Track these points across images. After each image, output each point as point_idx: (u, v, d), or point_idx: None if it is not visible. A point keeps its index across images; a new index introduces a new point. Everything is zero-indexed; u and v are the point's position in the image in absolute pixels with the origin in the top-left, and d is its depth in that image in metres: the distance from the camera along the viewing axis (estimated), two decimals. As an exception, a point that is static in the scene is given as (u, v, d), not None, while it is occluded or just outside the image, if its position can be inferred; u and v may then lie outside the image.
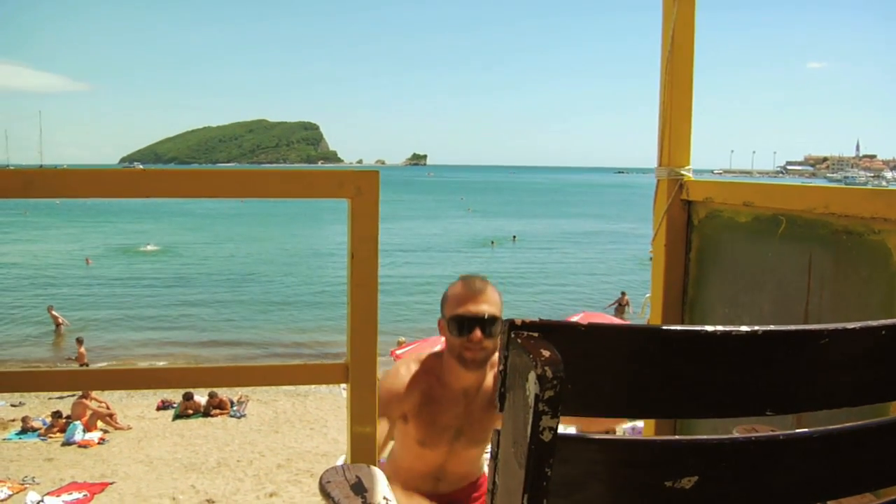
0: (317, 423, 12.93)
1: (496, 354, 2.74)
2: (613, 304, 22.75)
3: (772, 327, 0.73)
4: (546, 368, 0.66)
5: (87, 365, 16.56)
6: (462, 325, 2.45)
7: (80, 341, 17.70)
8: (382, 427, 2.34)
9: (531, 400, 0.66)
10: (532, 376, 0.66)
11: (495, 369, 2.61)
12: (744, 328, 0.72)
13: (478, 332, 2.43)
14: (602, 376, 0.73)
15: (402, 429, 2.67)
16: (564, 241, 45.18)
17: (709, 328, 0.72)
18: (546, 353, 0.67)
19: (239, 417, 13.41)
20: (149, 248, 41.47)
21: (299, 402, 14.03)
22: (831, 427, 0.83)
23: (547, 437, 0.67)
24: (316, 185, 1.64)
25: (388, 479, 2.71)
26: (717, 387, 0.76)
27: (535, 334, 0.70)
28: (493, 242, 39.64)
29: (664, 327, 0.74)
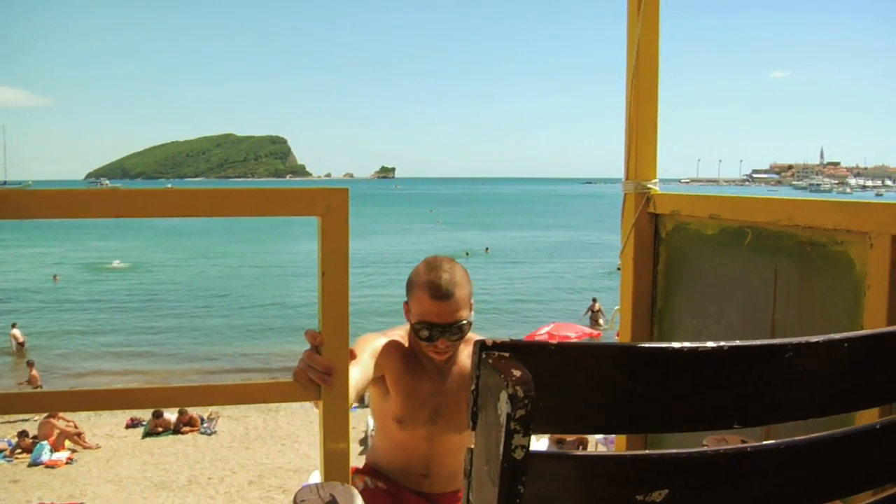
0: (288, 438, 12.84)
1: (473, 340, 2.66)
2: (587, 312, 22.91)
3: (737, 342, 0.75)
4: (517, 388, 0.67)
5: (41, 387, 16.22)
6: (428, 332, 2.37)
7: (30, 364, 17.22)
8: (354, 373, 2.09)
9: (503, 419, 0.68)
10: (503, 396, 0.67)
11: (470, 348, 2.50)
12: (710, 344, 0.74)
13: (444, 342, 2.37)
14: (572, 394, 0.74)
15: (382, 408, 2.58)
16: (536, 251, 45.37)
17: (675, 344, 0.74)
18: (517, 373, 0.68)
19: (209, 434, 13.28)
20: (116, 264, 41.04)
21: (270, 418, 13.93)
22: (799, 438, 0.85)
23: (519, 455, 0.69)
24: (285, 203, 1.64)
25: (372, 472, 2.61)
26: (686, 401, 0.77)
27: (506, 354, 0.71)
28: (467, 254, 39.64)
29: (631, 344, 0.76)
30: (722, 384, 0.77)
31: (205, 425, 13.51)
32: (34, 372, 16.86)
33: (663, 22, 2.34)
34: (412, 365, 2.52)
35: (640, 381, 0.75)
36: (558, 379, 0.73)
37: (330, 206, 1.64)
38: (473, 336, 2.51)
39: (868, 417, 1.09)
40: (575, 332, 18.91)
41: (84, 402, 1.99)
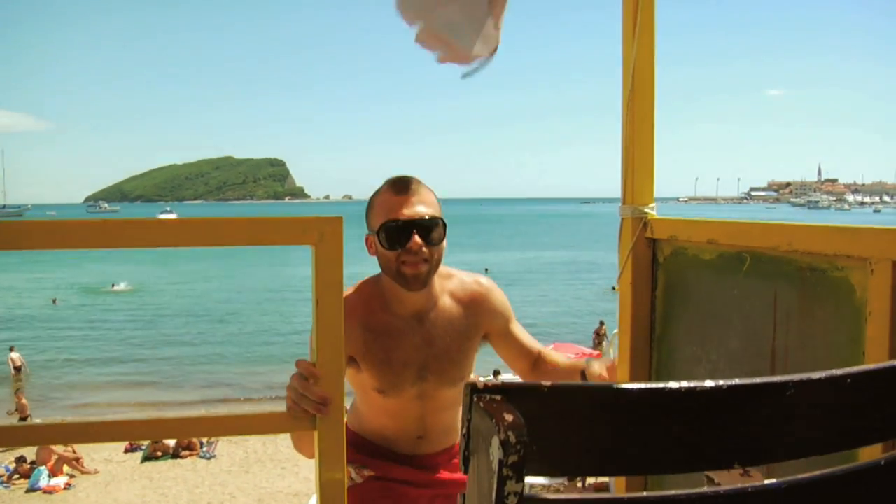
0: (288, 462, 12.78)
1: (455, 276, 2.41)
2: (594, 335, 22.81)
3: (736, 381, 0.73)
4: (509, 433, 0.65)
5: (29, 417, 16.06)
6: (395, 233, 2.11)
7: (18, 393, 17.15)
8: None
9: (495, 465, 0.66)
10: (495, 441, 0.65)
11: (452, 285, 2.39)
12: (708, 383, 0.72)
13: (416, 239, 2.09)
14: (567, 436, 0.72)
15: (358, 380, 2.34)
16: (535, 272, 45.42)
17: (673, 385, 0.72)
18: (509, 418, 0.66)
19: (209, 458, 13.23)
20: (116, 287, 41.04)
21: (270, 442, 13.87)
22: (801, 476, 0.83)
23: (512, 501, 0.66)
24: (278, 232, 1.63)
25: (356, 453, 2.39)
26: (684, 442, 0.75)
27: (498, 397, 0.69)
28: None
29: (627, 386, 0.74)
30: (722, 424, 0.75)
31: (204, 449, 13.46)
32: (23, 401, 16.73)
33: (658, 45, 2.34)
34: (382, 325, 2.27)
35: (637, 422, 0.73)
36: (553, 422, 0.71)
37: (324, 234, 1.63)
38: (453, 272, 2.41)
39: (871, 453, 1.07)
40: (575, 352, 18.88)
41: (76, 434, 1.97)
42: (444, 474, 2.47)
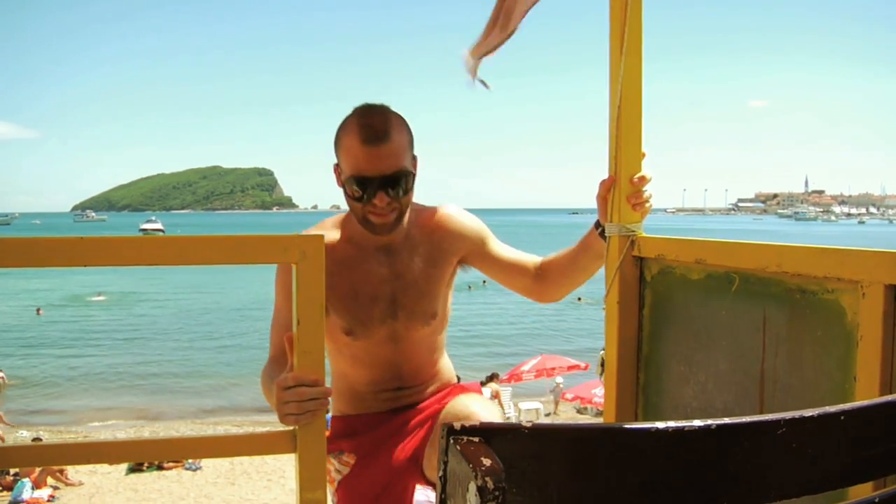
0: (274, 473, 12.73)
1: (422, 208, 2.29)
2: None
3: (726, 421, 0.70)
4: (487, 479, 0.62)
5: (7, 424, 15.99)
6: (361, 188, 2.01)
7: None
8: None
9: None
10: (472, 487, 0.62)
11: (418, 216, 2.28)
12: (696, 423, 0.69)
13: (383, 196, 2.00)
14: (550, 479, 0.69)
15: (328, 328, 2.18)
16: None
17: (660, 425, 0.69)
18: (487, 462, 0.63)
19: (194, 470, 13.17)
20: (98, 297, 40.86)
21: (256, 453, 13.79)
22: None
23: (489, 549, 0.63)
24: (259, 250, 1.61)
25: (336, 438, 2.29)
26: (672, 483, 0.72)
27: (476, 439, 0.67)
28: (469, 287, 38.89)
29: (611, 425, 0.71)
30: (711, 464, 0.72)
31: (189, 460, 13.37)
32: None
33: (645, 62, 2.32)
34: (348, 256, 2.18)
35: (623, 464, 0.70)
36: (534, 464, 0.68)
37: (305, 252, 1.61)
38: (419, 206, 2.29)
39: (864, 490, 1.05)
40: (560, 364, 18.90)
41: (53, 456, 1.93)
42: (428, 407, 2.36)
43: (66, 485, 12.41)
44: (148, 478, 12.87)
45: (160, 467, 13.19)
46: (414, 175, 2.09)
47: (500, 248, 2.42)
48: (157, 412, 18.45)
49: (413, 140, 2.10)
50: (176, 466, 13.21)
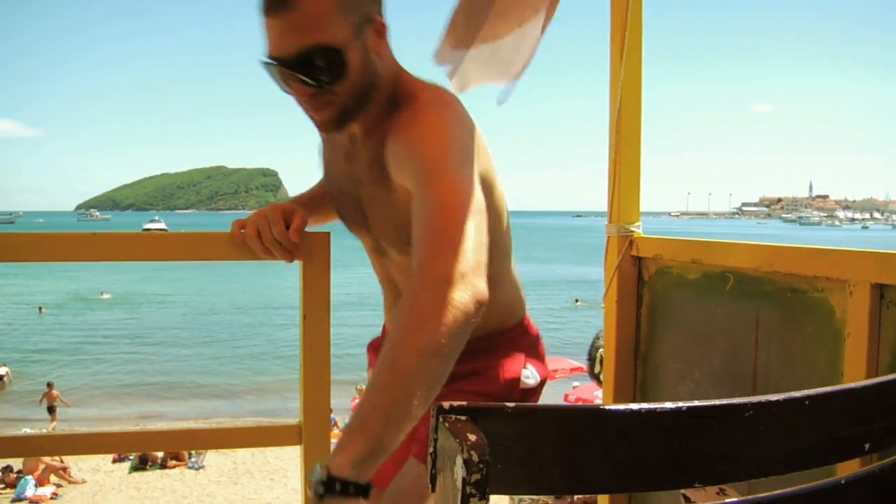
0: (276, 472, 12.75)
1: (412, 96, 1.56)
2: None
3: (696, 403, 0.76)
4: (472, 453, 0.68)
5: (55, 406, 16.64)
6: (272, 77, 1.49)
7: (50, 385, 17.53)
8: None
9: (459, 483, 0.69)
10: (459, 460, 0.69)
11: (399, 107, 1.56)
12: (668, 405, 0.75)
13: (299, 88, 1.47)
14: (531, 456, 0.75)
15: None
16: (530, 284, 45.29)
17: (634, 406, 0.75)
18: (472, 438, 0.69)
19: (197, 469, 13.18)
20: (104, 296, 40.87)
21: (259, 452, 13.83)
22: (761, 495, 0.86)
23: (477, 517, 0.69)
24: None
25: None
26: (646, 462, 0.78)
27: (463, 418, 0.73)
28: None
29: (591, 407, 0.77)
30: (683, 444, 0.78)
31: (192, 459, 13.41)
32: (54, 391, 17.25)
33: (645, 66, 2.37)
34: (326, 143, 1.81)
35: (600, 442, 0.76)
36: (516, 442, 0.74)
37: (311, 250, 1.66)
38: (418, 89, 1.59)
39: (851, 467, 1.10)
40: (563, 365, 18.90)
41: (65, 446, 1.98)
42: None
43: (69, 483, 12.42)
44: (151, 476, 12.90)
45: (163, 466, 13.22)
46: (357, 50, 1.46)
47: (420, 209, 1.37)
48: (158, 413, 18.47)
49: (348, 7, 1.44)
50: (179, 465, 13.23)
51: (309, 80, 1.44)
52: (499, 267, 1.72)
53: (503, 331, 1.85)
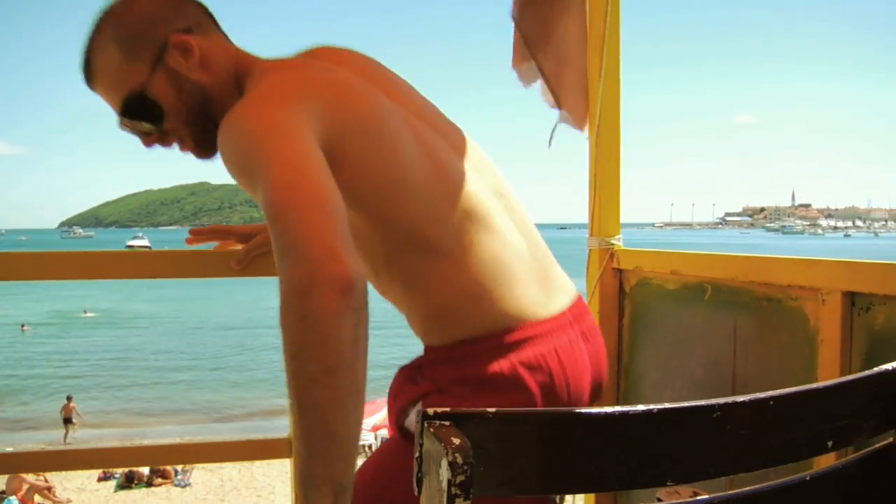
0: (264, 489, 12.72)
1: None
2: None
3: (666, 405, 0.81)
4: (456, 455, 0.73)
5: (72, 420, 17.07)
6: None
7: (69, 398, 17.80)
8: None
9: (444, 485, 0.74)
10: (444, 463, 0.73)
11: None
12: (640, 407, 0.80)
13: (150, 139, 1.47)
14: (513, 458, 0.80)
15: None
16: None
17: (608, 409, 0.80)
18: (456, 441, 0.74)
19: (183, 487, 13.13)
20: (86, 314, 40.61)
21: (245, 469, 13.79)
22: (730, 493, 0.90)
23: (462, 517, 0.74)
24: (253, 264, 1.68)
25: None
26: (621, 462, 0.83)
27: (447, 423, 0.78)
28: None
29: (567, 410, 0.82)
30: (655, 445, 0.82)
31: (179, 477, 13.36)
32: (71, 404, 17.59)
33: (626, 74, 2.42)
34: None
35: (574, 445, 0.81)
36: (499, 445, 0.79)
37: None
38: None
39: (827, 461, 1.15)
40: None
41: (50, 462, 2.00)
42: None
43: (54, 502, 12.35)
44: (137, 494, 12.85)
45: (149, 484, 13.16)
46: (160, 82, 1.41)
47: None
48: (143, 434, 18.34)
49: (142, 32, 1.40)
50: (165, 483, 13.18)
51: (141, 130, 1.44)
52: (432, 224, 1.41)
53: (462, 341, 1.41)
